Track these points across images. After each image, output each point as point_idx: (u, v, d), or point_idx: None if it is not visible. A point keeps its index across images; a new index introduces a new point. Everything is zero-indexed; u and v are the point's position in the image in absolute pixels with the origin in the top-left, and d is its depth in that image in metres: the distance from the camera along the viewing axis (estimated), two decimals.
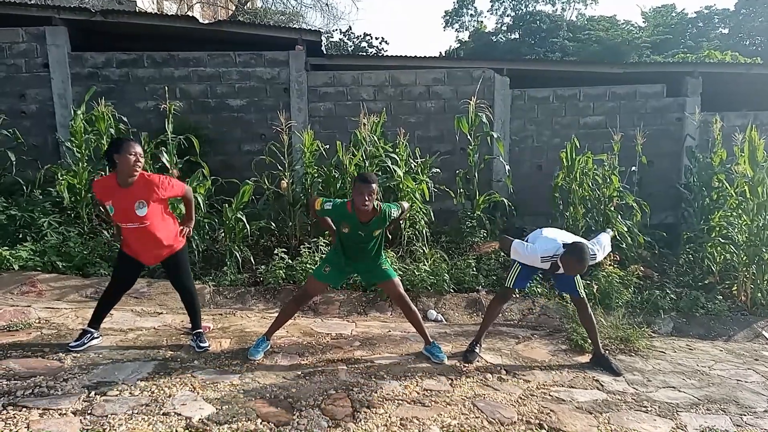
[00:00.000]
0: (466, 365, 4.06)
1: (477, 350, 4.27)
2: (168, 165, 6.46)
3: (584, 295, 4.20)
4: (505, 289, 4.34)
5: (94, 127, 6.72)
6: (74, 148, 6.66)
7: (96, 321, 3.94)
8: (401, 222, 4.29)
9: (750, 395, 3.91)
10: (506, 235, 4.51)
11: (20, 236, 6.22)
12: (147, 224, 3.68)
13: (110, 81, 8.33)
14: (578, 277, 4.13)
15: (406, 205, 4.18)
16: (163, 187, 3.76)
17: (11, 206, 6.55)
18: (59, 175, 6.54)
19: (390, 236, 4.47)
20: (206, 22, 9.18)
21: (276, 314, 4.21)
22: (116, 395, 3.16)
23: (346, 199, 3.89)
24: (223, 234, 6.53)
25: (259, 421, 2.97)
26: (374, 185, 3.69)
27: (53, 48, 8.15)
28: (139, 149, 3.64)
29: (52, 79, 8.15)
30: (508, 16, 39.59)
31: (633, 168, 7.79)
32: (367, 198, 3.64)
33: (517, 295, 5.90)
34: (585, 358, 4.39)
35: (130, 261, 3.88)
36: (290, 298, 4.38)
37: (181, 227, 4.03)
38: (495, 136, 7.75)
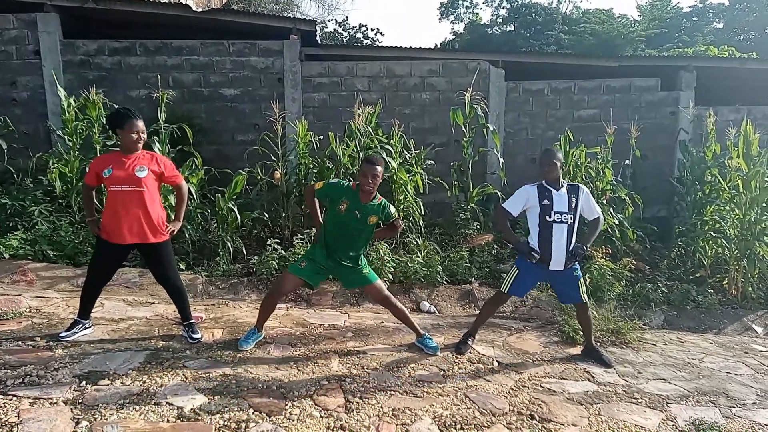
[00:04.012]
0: (459, 356, 4.08)
1: (469, 342, 4.28)
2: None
3: (587, 299, 4.21)
4: (500, 293, 4.28)
5: (86, 115, 6.66)
6: (66, 137, 6.61)
7: (84, 311, 3.91)
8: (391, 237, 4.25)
9: (739, 387, 3.95)
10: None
11: (11, 225, 6.18)
12: (142, 190, 3.64)
13: (102, 69, 8.26)
14: (581, 280, 4.14)
15: (400, 224, 4.10)
16: (164, 164, 3.81)
17: (2, 195, 6.51)
18: (51, 163, 6.49)
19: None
20: (199, 10, 9.08)
21: None
22: (107, 385, 3.15)
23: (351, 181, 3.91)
24: (215, 224, 6.51)
25: (251, 411, 2.97)
26: (379, 168, 3.75)
27: (45, 35, 8.06)
28: (141, 126, 3.67)
29: (44, 67, 8.05)
30: (503, 8, 39.40)
31: (626, 161, 7.81)
32: (371, 180, 3.70)
33: None
34: (576, 350, 4.42)
35: (109, 252, 3.75)
36: (265, 294, 4.31)
37: (168, 224, 3.91)
38: (490, 128, 7.76)
